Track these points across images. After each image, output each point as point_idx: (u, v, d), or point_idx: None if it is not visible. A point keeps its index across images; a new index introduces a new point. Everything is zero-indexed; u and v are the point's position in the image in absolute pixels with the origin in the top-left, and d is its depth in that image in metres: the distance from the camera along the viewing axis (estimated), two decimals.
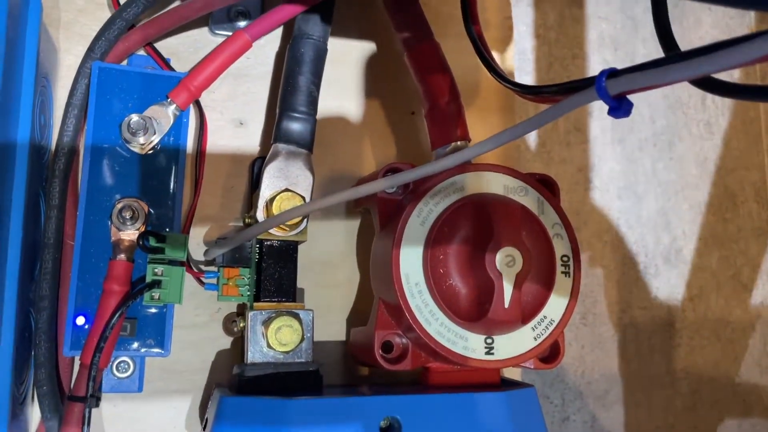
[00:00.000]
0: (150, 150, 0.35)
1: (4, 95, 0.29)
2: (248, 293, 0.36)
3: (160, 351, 0.34)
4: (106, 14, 0.39)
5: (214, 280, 0.36)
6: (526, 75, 0.52)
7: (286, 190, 0.36)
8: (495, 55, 0.48)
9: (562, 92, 0.28)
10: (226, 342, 0.38)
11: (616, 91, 0.24)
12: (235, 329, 0.37)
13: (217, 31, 0.41)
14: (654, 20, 0.27)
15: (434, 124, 0.39)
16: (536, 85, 0.30)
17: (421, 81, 0.39)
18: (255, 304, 0.35)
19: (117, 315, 0.31)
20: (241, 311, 0.39)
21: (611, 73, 0.25)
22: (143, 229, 0.34)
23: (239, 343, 0.38)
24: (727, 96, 0.27)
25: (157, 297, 0.33)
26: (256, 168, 0.40)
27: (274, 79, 0.42)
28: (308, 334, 0.35)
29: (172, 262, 0.33)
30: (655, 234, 0.53)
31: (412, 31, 0.39)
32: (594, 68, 0.54)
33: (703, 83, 0.28)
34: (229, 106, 0.41)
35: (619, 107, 0.25)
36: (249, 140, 0.41)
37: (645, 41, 0.55)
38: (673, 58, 0.24)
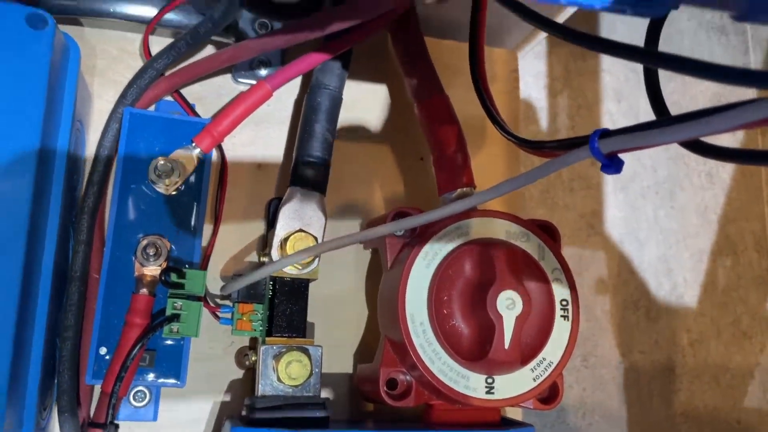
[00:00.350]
0: (174, 191, 0.37)
1: (44, 138, 0.32)
2: (261, 328, 0.38)
3: (176, 382, 0.36)
4: (137, 62, 0.42)
5: (228, 315, 0.38)
6: (532, 124, 0.55)
7: (300, 230, 0.38)
8: (502, 105, 0.51)
9: (560, 148, 0.30)
10: (238, 374, 0.40)
11: (608, 150, 0.26)
12: (247, 362, 0.39)
13: (239, 79, 0.44)
14: (646, 85, 0.29)
15: (441, 171, 0.41)
16: (537, 141, 0.32)
17: (430, 131, 0.41)
18: (267, 338, 0.37)
19: (138, 347, 0.33)
20: (254, 345, 0.41)
21: (603, 133, 0.27)
22: (165, 265, 0.36)
23: (251, 375, 0.40)
24: (716, 159, 0.29)
25: (175, 330, 0.34)
26: (272, 208, 0.42)
27: (291, 124, 0.45)
28: (317, 370, 0.37)
29: (190, 297, 0.35)
30: (656, 279, 0.55)
31: (422, 85, 0.42)
32: (598, 119, 0.56)
33: (692, 146, 0.30)
34: (248, 149, 0.43)
35: (611, 165, 0.27)
36: (266, 182, 0.43)
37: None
38: (662, 122, 0.26)
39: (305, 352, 0.37)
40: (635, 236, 0.55)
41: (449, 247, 0.37)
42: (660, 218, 0.56)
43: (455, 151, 0.40)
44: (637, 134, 0.25)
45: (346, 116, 0.42)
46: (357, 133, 0.46)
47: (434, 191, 0.42)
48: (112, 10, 0.39)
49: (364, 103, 0.47)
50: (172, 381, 0.36)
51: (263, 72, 0.44)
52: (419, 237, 0.38)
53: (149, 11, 0.40)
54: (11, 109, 0.30)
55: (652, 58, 0.26)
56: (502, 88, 0.51)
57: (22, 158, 0.31)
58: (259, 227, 0.43)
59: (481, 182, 0.41)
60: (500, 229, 0.38)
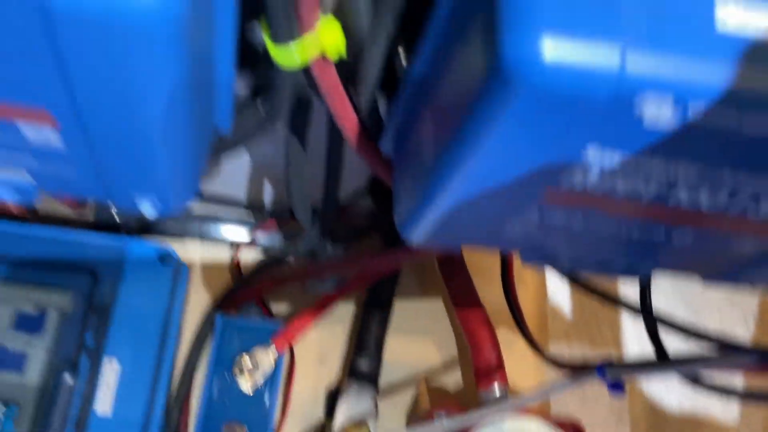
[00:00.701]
0: (254, 390, 0.44)
1: (160, 346, 0.40)
2: None
3: None
4: (229, 272, 0.50)
5: None
6: (557, 320, 0.61)
7: (356, 423, 0.44)
8: (531, 305, 0.58)
9: (576, 368, 0.37)
10: None
11: (612, 378, 0.33)
12: None
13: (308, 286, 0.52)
14: (646, 329, 0.35)
15: (478, 370, 0.47)
16: (561, 362, 0.39)
17: (468, 336, 0.48)
18: None
19: None
20: None
21: (609, 364, 0.34)
22: None
23: None
24: (714, 394, 0.35)
25: None
26: (331, 399, 0.49)
27: (350, 326, 0.52)
28: None
29: None
30: None
31: (459, 296, 0.49)
32: (620, 319, 0.63)
33: (693, 381, 0.36)
34: (313, 346, 0.51)
35: (615, 388, 0.33)
36: (328, 374, 0.50)
37: (666, 295, 0.64)
38: (658, 362, 0.33)
39: None
40: (662, 428, 0.59)
41: None
42: (685, 408, 0.60)
43: (489, 354, 0.47)
44: (633, 369, 0.32)
45: (396, 319, 0.50)
46: (406, 332, 0.53)
47: (473, 383, 0.48)
48: (211, 234, 0.49)
49: (412, 308, 0.54)
50: None
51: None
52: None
53: (241, 234, 0.49)
54: (139, 328, 0.39)
55: (648, 318, 0.33)
56: (532, 290, 0.58)
57: (145, 361, 0.39)
58: (319, 414, 0.49)
59: (514, 374, 0.47)
60: (531, 429, 0.43)
